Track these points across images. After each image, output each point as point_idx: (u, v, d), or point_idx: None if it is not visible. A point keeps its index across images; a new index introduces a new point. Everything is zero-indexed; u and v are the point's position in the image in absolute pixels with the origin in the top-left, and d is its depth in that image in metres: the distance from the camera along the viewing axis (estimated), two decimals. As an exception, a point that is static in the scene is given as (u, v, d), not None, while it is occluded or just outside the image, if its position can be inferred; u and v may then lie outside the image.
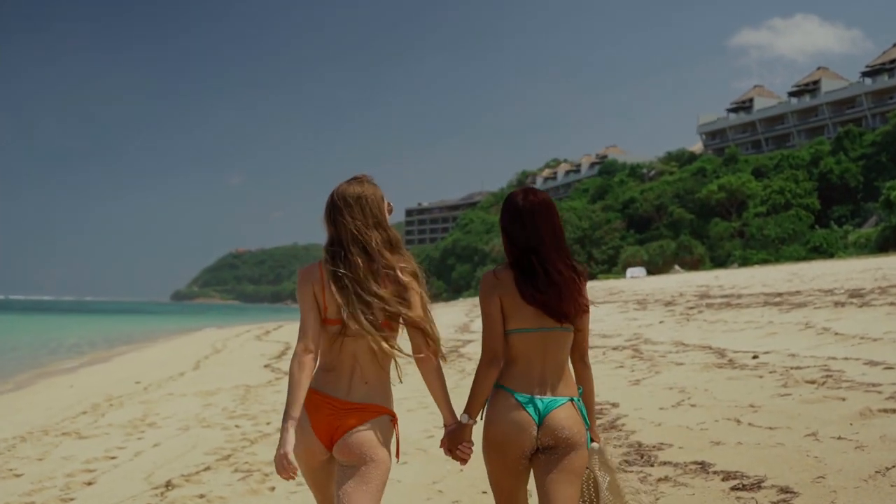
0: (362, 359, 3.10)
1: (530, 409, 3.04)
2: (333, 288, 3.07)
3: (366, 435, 3.04)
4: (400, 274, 3.11)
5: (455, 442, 3.15)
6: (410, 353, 3.17)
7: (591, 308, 3.29)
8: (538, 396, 3.06)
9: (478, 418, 3.18)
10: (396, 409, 3.27)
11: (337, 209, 3.16)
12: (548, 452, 3.06)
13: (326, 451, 3.10)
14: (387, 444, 3.10)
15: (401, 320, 3.13)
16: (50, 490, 6.60)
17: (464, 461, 3.18)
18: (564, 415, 3.06)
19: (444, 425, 3.22)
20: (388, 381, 3.19)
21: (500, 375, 3.13)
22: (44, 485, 6.81)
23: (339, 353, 3.13)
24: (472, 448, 3.17)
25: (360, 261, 3.08)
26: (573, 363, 3.26)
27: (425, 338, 3.13)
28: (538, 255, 3.11)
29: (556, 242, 3.15)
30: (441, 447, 3.22)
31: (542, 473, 3.06)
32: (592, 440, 3.25)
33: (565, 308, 3.09)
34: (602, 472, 3.29)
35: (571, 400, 3.12)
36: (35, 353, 27.07)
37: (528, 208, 3.14)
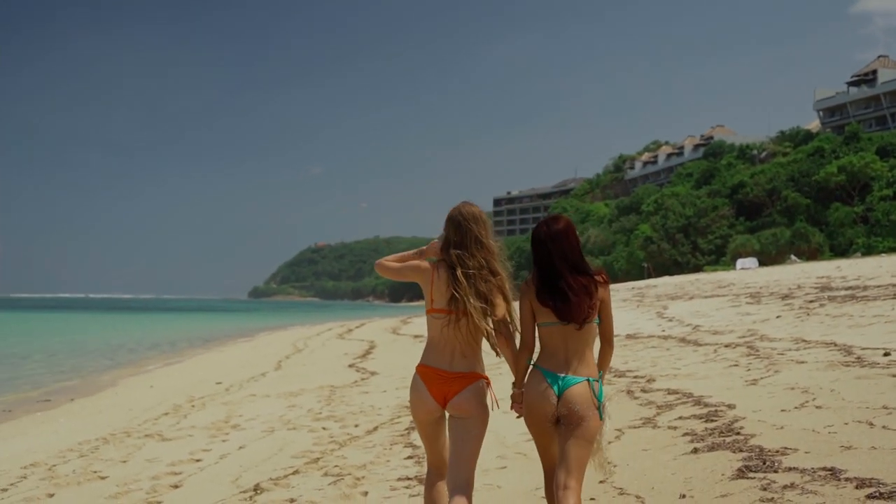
0: (461, 339, 4.23)
1: (553, 384, 4.11)
2: (454, 281, 4.22)
3: (470, 397, 4.21)
4: (496, 277, 4.30)
5: (514, 401, 4.33)
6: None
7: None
8: (561, 374, 4.11)
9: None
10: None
11: (465, 219, 4.33)
12: (564, 421, 4.09)
13: (440, 409, 4.27)
14: (485, 402, 4.27)
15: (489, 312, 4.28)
16: (136, 493, 6.84)
17: (518, 414, 4.33)
18: (578, 392, 4.09)
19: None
20: (480, 353, 4.33)
21: (537, 358, 4.25)
22: (129, 487, 7.06)
23: (443, 335, 4.26)
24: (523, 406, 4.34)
25: (479, 262, 4.26)
26: (601, 344, 4.33)
27: (506, 328, 4.29)
28: (552, 271, 4.18)
29: (568, 261, 4.18)
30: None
31: (562, 438, 4.11)
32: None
33: (573, 315, 4.11)
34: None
35: (587, 380, 4.12)
36: (114, 354, 28.07)
37: (542, 237, 4.24)
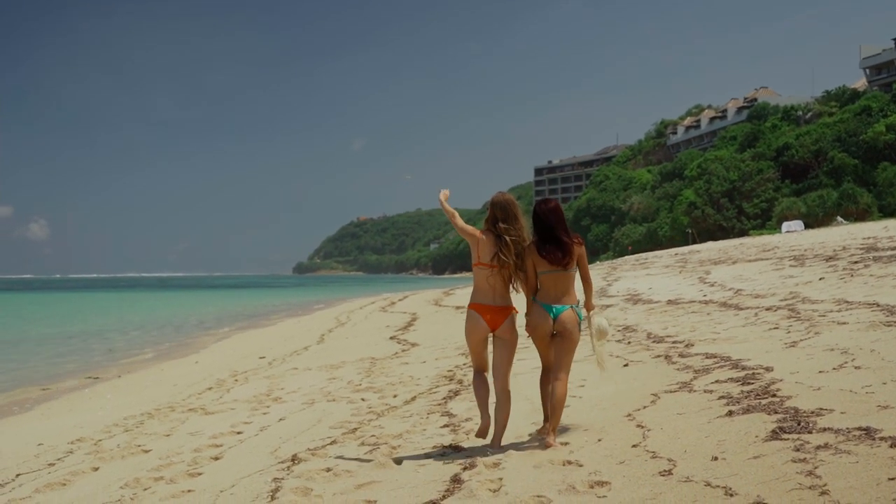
0: (498, 284, 6.30)
1: (549, 311, 6.20)
2: (501, 244, 6.22)
3: (510, 325, 6.31)
4: (525, 242, 6.31)
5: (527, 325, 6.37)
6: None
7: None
8: (553, 305, 6.20)
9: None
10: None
11: (507, 203, 6.35)
12: (558, 335, 6.21)
13: (489, 331, 6.30)
14: (515, 326, 6.37)
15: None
16: (178, 465, 6.98)
17: (528, 335, 6.38)
18: (566, 316, 6.19)
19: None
20: (510, 293, 6.38)
21: (537, 296, 6.27)
22: (171, 460, 7.21)
23: (487, 282, 6.28)
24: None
25: (518, 233, 6.26)
26: (582, 282, 6.46)
27: (525, 276, 6.30)
28: (547, 234, 6.24)
29: (558, 227, 6.24)
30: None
31: (556, 346, 6.24)
32: (588, 310, 6.60)
33: (560, 260, 6.19)
34: (596, 326, 6.61)
35: (572, 307, 6.22)
36: (161, 330, 28.51)
37: (541, 213, 6.32)
